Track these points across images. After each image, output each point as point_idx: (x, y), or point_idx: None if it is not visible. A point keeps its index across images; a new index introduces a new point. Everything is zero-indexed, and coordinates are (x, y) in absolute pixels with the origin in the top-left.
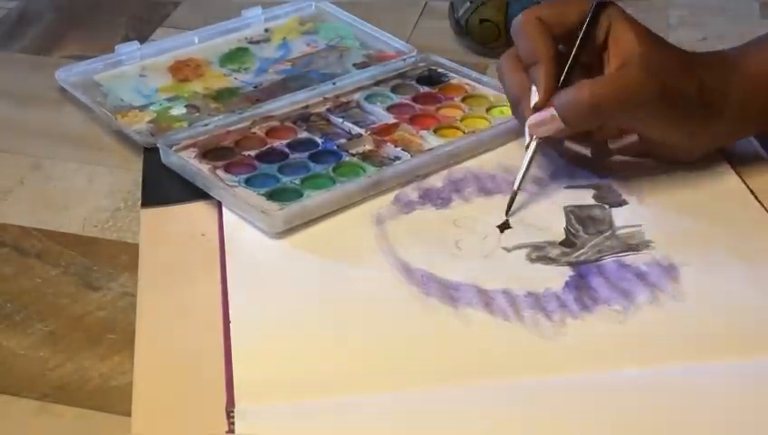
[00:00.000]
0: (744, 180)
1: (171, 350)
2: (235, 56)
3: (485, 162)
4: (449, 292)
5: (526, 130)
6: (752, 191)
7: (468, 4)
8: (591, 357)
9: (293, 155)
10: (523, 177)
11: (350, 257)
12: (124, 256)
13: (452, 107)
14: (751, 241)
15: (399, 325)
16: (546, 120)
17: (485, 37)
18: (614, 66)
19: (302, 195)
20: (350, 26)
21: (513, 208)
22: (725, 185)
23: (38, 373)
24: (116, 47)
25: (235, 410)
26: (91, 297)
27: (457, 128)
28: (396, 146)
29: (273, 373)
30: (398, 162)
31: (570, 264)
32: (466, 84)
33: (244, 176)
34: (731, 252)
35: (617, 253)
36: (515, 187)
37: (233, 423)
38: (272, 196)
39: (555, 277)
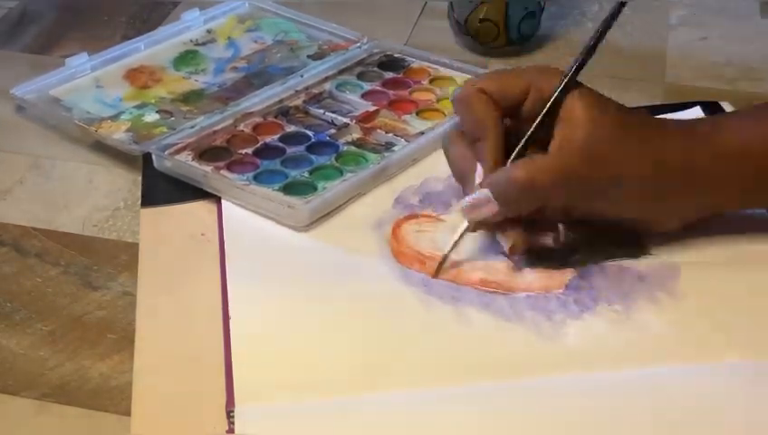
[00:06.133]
0: None
1: (171, 350)
2: (186, 59)
3: None
4: (450, 292)
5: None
6: None
7: (468, 3)
8: (591, 357)
9: (291, 149)
10: (444, 260)
11: (350, 258)
12: (124, 256)
13: (424, 90)
14: (751, 243)
15: (400, 326)
16: (482, 201)
17: (485, 37)
18: (555, 147)
19: (315, 187)
20: (289, 20)
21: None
22: None
23: (38, 373)
24: (66, 60)
25: (235, 410)
26: (90, 297)
27: (437, 110)
28: (385, 132)
29: (273, 373)
30: (398, 147)
31: (570, 265)
32: (428, 67)
33: (251, 174)
34: (731, 254)
35: (616, 257)
36: (440, 262)
37: (233, 423)
38: (286, 190)
39: (556, 280)
